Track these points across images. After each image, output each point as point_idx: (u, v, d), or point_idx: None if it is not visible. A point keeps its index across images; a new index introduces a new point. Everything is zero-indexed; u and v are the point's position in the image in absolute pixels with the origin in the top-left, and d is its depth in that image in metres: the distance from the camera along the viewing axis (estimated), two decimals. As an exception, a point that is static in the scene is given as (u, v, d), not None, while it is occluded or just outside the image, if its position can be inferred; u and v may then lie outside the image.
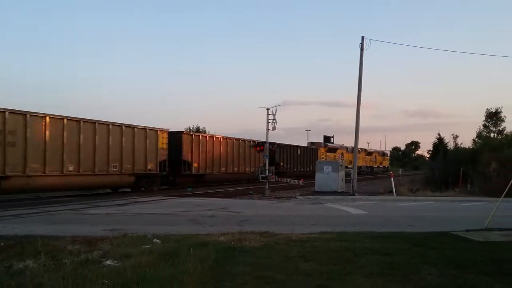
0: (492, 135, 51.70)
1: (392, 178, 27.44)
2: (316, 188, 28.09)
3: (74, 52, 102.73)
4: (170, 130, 28.53)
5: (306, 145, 54.59)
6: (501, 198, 12.37)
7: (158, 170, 26.82)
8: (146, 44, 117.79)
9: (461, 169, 30.22)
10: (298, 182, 31.61)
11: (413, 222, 13.46)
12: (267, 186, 26.26)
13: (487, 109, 53.01)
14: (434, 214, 16.46)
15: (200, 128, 58.74)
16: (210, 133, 42.96)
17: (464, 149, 41.12)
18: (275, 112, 26.83)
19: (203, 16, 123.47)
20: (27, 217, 13.86)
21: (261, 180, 28.40)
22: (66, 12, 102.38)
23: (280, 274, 6.44)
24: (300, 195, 25.46)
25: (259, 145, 29.90)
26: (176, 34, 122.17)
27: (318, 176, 28.44)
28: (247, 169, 37.18)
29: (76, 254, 7.71)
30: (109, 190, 25.96)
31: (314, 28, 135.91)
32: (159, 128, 27.17)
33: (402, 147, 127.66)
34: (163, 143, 27.32)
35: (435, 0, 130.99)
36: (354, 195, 25.16)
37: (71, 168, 21.30)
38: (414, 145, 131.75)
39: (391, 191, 26.07)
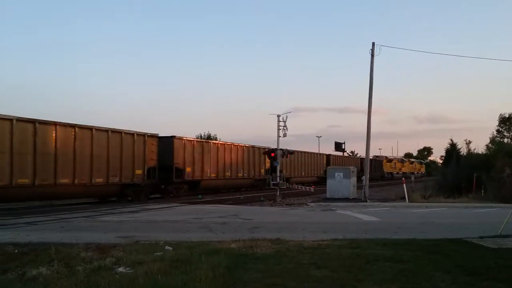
0: (505, 140, 51.21)
1: (404, 184, 27.23)
2: (328, 195, 27.98)
3: (74, 58, 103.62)
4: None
5: (317, 151, 54.75)
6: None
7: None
8: (156, 51, 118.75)
9: (475, 175, 29.89)
10: (309, 189, 31.54)
11: (426, 228, 13.35)
12: (278, 193, 26.22)
13: (500, 114, 52.64)
14: (447, 220, 16.29)
15: (212, 135, 58.93)
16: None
17: (477, 154, 40.70)
18: (286, 119, 26.88)
19: (214, 23, 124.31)
20: (40, 225, 14.00)
21: (272, 186, 28.37)
22: (65, 17, 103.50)
23: (291, 281, 6.42)
24: (311, 202, 25.38)
25: (271, 152, 29.98)
26: (187, 41, 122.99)
27: (330, 182, 28.33)
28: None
29: (89, 261, 7.76)
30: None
31: (324, 34, 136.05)
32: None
33: (415, 153, 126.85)
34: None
35: (446, 5, 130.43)
36: (366, 201, 25.01)
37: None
38: (427, 151, 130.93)
39: (404, 198, 25.87)
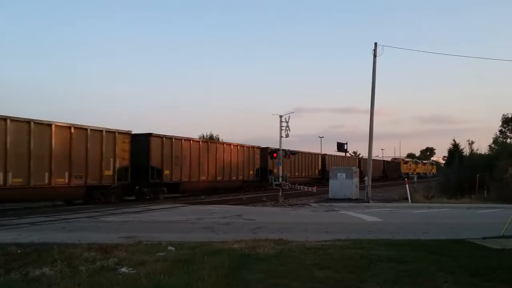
0: (508, 141, 51.07)
1: (407, 185, 27.18)
2: (330, 195, 27.95)
3: (73, 58, 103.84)
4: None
5: (318, 151, 54.42)
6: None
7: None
8: (157, 52, 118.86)
9: (477, 175, 29.85)
10: (312, 189, 31.55)
11: (429, 229, 13.32)
12: (280, 193, 26.23)
13: (503, 115, 52.48)
14: (450, 221, 16.26)
15: (214, 136, 58.94)
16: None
17: (480, 155, 40.72)
18: (288, 120, 26.90)
19: (216, 23, 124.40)
20: (43, 225, 14.03)
21: (274, 187, 28.38)
22: (65, 18, 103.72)
23: (294, 282, 6.42)
24: (314, 202, 25.36)
25: (273, 152, 29.98)
26: (188, 42, 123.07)
27: (332, 183, 28.30)
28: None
29: (92, 261, 7.77)
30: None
31: (327, 35, 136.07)
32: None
33: (417, 154, 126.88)
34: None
35: (450, 5, 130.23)
36: (368, 202, 24.97)
37: None
38: (429, 151, 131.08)
39: (406, 198, 25.83)
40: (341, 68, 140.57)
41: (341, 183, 27.76)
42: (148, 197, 25.87)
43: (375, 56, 25.84)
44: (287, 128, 26.89)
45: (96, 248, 8.97)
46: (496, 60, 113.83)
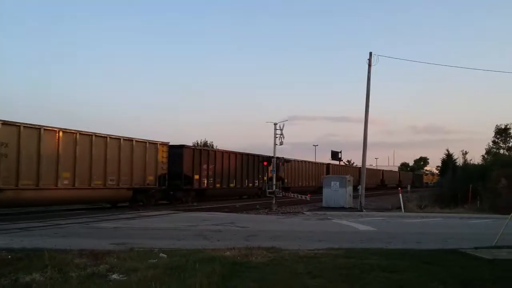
0: (501, 151, 51.36)
1: (400, 194, 27.24)
2: (324, 204, 27.97)
3: (72, 63, 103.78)
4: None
5: (314, 160, 54.84)
6: (510, 215, 12.22)
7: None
8: (152, 59, 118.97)
9: (470, 185, 29.94)
10: (305, 198, 31.53)
11: (421, 239, 13.34)
12: (274, 201, 26.19)
13: (496, 126, 52.83)
14: (443, 231, 16.30)
15: (208, 142, 58.83)
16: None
17: (473, 165, 40.77)
18: (283, 127, 26.92)
19: (211, 31, 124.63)
20: (35, 230, 13.92)
21: (268, 195, 28.35)
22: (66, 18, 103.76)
23: (286, 290, 6.39)
24: (307, 211, 25.35)
25: (265, 160, 30.05)
26: (183, 50, 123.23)
27: (326, 191, 28.32)
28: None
29: (83, 267, 7.71)
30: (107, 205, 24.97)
31: (322, 43, 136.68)
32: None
33: (411, 163, 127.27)
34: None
35: (444, 15, 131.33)
36: (362, 211, 25.00)
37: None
38: (423, 161, 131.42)
39: (399, 208, 25.87)
40: (336, 77, 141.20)
41: (335, 191, 27.81)
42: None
43: (369, 65, 26.00)
44: (281, 136, 26.90)
45: (87, 254, 8.91)
46: (491, 71, 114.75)
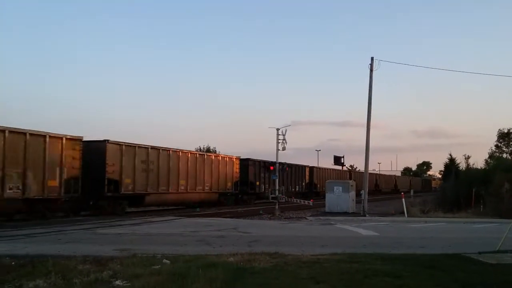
0: (504, 155, 51.29)
1: (403, 199, 27.17)
2: (327, 209, 27.91)
3: (73, 69, 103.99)
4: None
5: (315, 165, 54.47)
6: (514, 220, 12.21)
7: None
8: (155, 65, 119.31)
9: (473, 190, 29.87)
10: (308, 203, 31.50)
11: (425, 243, 13.31)
12: (277, 207, 26.18)
13: (499, 130, 52.88)
14: (446, 235, 16.26)
15: (211, 148, 58.88)
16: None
17: (476, 169, 40.72)
18: (285, 133, 26.95)
19: (211, 35, 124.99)
20: (39, 236, 13.95)
21: (270, 200, 28.38)
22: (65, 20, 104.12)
23: (290, 296, 6.39)
24: (310, 216, 25.32)
25: (270, 165, 30.12)
26: (183, 54, 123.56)
27: (329, 196, 28.26)
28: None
29: (86, 274, 7.72)
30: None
31: (324, 48, 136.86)
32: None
33: (414, 168, 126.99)
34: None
35: (446, 20, 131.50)
36: (365, 216, 24.94)
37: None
38: (426, 165, 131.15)
39: (402, 212, 25.81)
40: (338, 81, 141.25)
41: (338, 196, 27.72)
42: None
43: (371, 70, 26.03)
44: (284, 141, 26.92)
45: (91, 261, 8.93)
46: (493, 75, 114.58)
